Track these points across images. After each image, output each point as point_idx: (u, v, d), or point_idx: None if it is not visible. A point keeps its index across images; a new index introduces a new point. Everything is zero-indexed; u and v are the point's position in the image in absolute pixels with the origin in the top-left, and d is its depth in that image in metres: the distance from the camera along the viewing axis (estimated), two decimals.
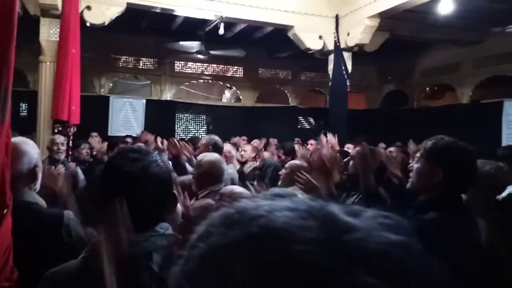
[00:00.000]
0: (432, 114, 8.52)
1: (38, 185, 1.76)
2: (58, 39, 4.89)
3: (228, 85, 10.09)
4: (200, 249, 0.36)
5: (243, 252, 0.34)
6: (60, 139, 4.36)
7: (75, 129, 4.71)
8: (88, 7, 5.21)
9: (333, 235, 0.34)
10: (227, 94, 11.35)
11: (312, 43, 6.60)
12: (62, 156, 4.28)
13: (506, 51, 7.29)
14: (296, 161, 3.74)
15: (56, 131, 4.61)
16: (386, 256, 0.33)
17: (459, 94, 8.47)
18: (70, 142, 4.67)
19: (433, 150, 1.67)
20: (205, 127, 9.64)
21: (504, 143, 6.88)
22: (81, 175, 4.43)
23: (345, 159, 2.53)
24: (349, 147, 5.36)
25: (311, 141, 5.94)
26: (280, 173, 3.54)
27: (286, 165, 3.54)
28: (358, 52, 6.72)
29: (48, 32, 5.07)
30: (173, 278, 0.38)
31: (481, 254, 1.61)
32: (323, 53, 6.90)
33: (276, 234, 0.34)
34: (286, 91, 10.14)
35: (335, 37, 6.49)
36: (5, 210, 1.31)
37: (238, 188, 2.61)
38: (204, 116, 9.72)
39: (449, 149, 1.65)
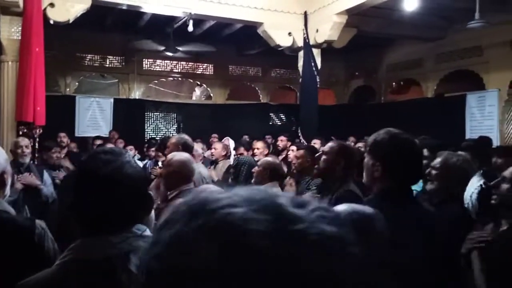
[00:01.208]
0: (399, 108, 8.75)
1: (8, 192, 1.70)
2: (20, 37, 4.71)
3: (198, 83, 10.02)
4: (165, 234, 0.42)
5: (202, 240, 0.39)
6: (25, 141, 4.20)
7: (41, 131, 4.56)
8: (52, 4, 5.03)
9: (279, 227, 0.40)
10: (197, 91, 11.26)
11: (282, 40, 6.64)
12: (27, 160, 4.12)
13: (467, 46, 7.57)
14: (269, 158, 3.76)
15: (20, 133, 4.45)
16: (322, 245, 0.40)
17: (424, 88, 8.73)
18: (36, 144, 4.52)
19: (372, 144, 1.63)
20: (176, 126, 9.53)
21: (468, 135, 7.16)
22: (47, 180, 4.27)
23: (316, 154, 2.56)
24: (316, 142, 5.42)
25: (281, 137, 5.99)
26: (253, 170, 3.56)
27: (259, 162, 3.55)
28: (327, 48, 6.82)
29: (10, 31, 4.88)
30: (143, 258, 0.44)
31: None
32: (293, 50, 6.96)
33: (231, 227, 0.40)
34: (256, 88, 10.16)
35: (304, 34, 6.56)
36: None
37: (212, 187, 2.60)
38: (175, 114, 9.61)
39: (387, 143, 1.59)
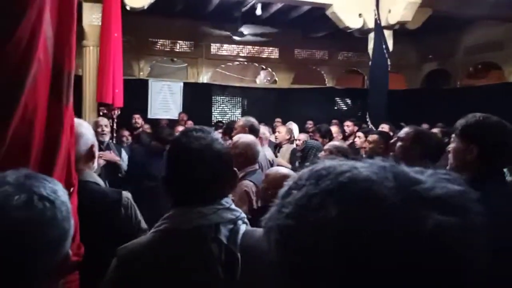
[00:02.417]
0: (476, 93, 8.18)
1: (96, 164, 1.83)
2: (100, 23, 5.00)
3: (264, 67, 10.04)
4: (294, 196, 0.46)
5: (333, 196, 0.43)
6: (104, 121, 4.50)
7: (119, 112, 4.85)
8: None
9: (406, 184, 0.43)
10: (262, 75, 11.31)
11: (352, 21, 6.44)
12: (107, 138, 4.42)
13: None
14: (335, 142, 3.71)
15: (101, 113, 4.76)
16: (450, 199, 0.42)
17: (506, 72, 8.07)
18: (115, 124, 4.82)
19: (466, 127, 1.64)
20: (240, 109, 9.69)
21: None
22: (125, 157, 4.59)
23: (392, 140, 2.47)
24: (384, 127, 5.24)
25: (348, 123, 5.86)
26: (319, 155, 3.54)
27: (326, 147, 3.52)
28: (398, 30, 6.52)
29: (91, 17, 5.20)
30: (270, 220, 0.48)
31: None
32: (362, 32, 6.73)
33: (361, 183, 0.43)
34: (322, 72, 9.99)
35: (375, 15, 6.30)
36: (72, 189, 1.38)
37: (282, 169, 2.63)
38: (240, 98, 9.77)
39: (482, 125, 1.61)
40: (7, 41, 1.17)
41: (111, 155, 4.08)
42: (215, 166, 1.11)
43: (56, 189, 0.83)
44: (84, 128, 1.82)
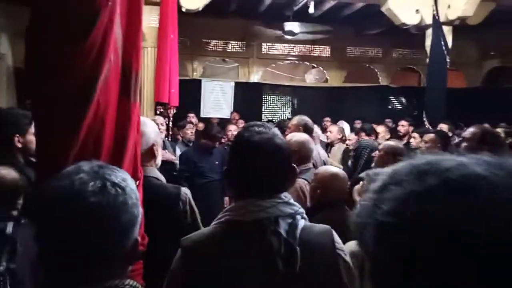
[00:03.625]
0: None
1: (159, 161, 1.92)
2: (157, 25, 5.18)
3: (315, 65, 9.95)
4: (394, 192, 0.44)
5: (441, 193, 0.41)
6: (160, 120, 4.68)
7: (175, 111, 5.01)
8: None
9: None
10: (311, 74, 11.22)
11: (408, 17, 6.23)
12: (162, 136, 4.59)
13: None
14: (391, 142, 3.61)
15: (158, 112, 4.95)
16: None
17: None
18: (170, 122, 4.99)
19: None
20: (291, 108, 9.68)
21: None
22: (178, 154, 4.77)
23: (457, 141, 2.38)
24: (442, 127, 5.04)
25: (403, 122, 5.68)
26: (373, 154, 3.46)
27: (380, 147, 3.43)
28: (458, 25, 6.22)
29: (149, 19, 5.40)
30: (364, 216, 0.46)
31: None
32: (419, 28, 6.49)
33: (473, 181, 0.40)
34: (376, 70, 9.74)
35: (433, 11, 6.05)
36: (137, 182, 1.45)
37: (332, 168, 2.61)
38: (290, 97, 9.76)
39: None
40: (82, 43, 1.26)
41: (168, 154, 4.24)
42: (275, 160, 1.14)
43: (126, 178, 0.89)
44: (148, 127, 1.91)
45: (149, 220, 1.60)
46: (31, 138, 2.21)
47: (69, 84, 1.24)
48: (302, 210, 1.16)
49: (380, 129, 5.28)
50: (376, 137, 5.02)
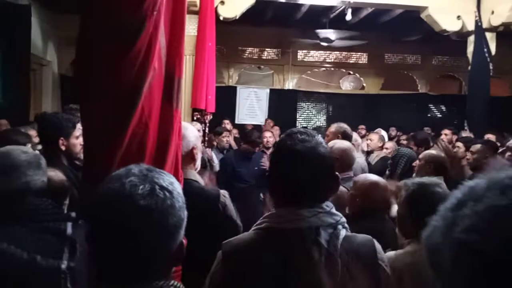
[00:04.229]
0: None
1: (198, 165, 1.96)
2: (196, 33, 5.30)
3: (351, 72, 9.85)
4: (473, 208, 0.43)
5: None
6: (197, 126, 4.76)
7: (211, 117, 5.10)
8: (222, 2, 5.56)
9: None
10: (347, 81, 11.10)
11: (449, 24, 6.06)
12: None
13: None
14: (432, 151, 3.51)
15: (195, 118, 5.04)
16: None
17: None
18: (206, 128, 5.08)
19: None
20: (325, 116, 9.61)
21: None
22: (215, 160, 4.84)
23: (499, 150, 2.29)
24: (490, 137, 4.85)
25: (446, 131, 5.50)
26: (414, 164, 3.38)
27: (421, 156, 3.35)
28: (501, 31, 5.99)
29: (188, 28, 5.50)
30: (437, 236, 0.45)
31: None
32: (461, 35, 6.30)
33: None
34: (414, 77, 9.52)
35: (476, 17, 5.86)
36: None
37: (372, 176, 2.57)
38: (325, 104, 9.69)
39: None
40: (128, 52, 1.31)
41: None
42: (318, 170, 1.12)
43: (173, 182, 0.91)
44: (187, 131, 1.96)
45: (188, 223, 1.64)
46: (74, 141, 2.31)
47: (116, 90, 1.30)
48: (344, 219, 1.15)
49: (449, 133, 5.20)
50: (427, 147, 4.88)
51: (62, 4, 6.87)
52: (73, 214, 1.48)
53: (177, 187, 0.90)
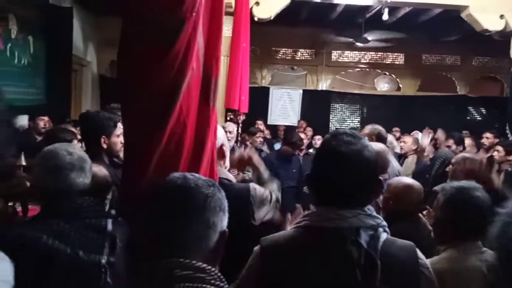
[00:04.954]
0: None
1: (227, 163, 1.98)
2: (230, 34, 5.35)
3: (387, 73, 9.65)
4: None
5: None
6: (230, 126, 4.80)
7: (244, 117, 5.13)
8: (257, 3, 5.58)
9: None
10: (382, 82, 10.89)
11: (491, 23, 5.84)
12: (232, 142, 4.71)
13: None
14: (465, 154, 3.40)
15: (228, 119, 5.09)
16: None
17: None
18: (239, 129, 5.11)
19: None
20: (360, 117, 9.47)
21: None
22: None
23: None
24: None
25: (488, 134, 5.29)
26: (447, 169, 3.29)
27: (454, 160, 3.26)
28: None
29: (223, 29, 5.59)
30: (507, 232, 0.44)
31: None
32: (504, 35, 6.05)
33: None
34: (453, 78, 9.22)
35: None
36: None
37: (406, 179, 2.52)
38: (359, 105, 9.55)
39: None
40: (168, 53, 1.34)
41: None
42: (362, 173, 1.11)
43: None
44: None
45: None
46: (115, 140, 2.38)
47: (156, 90, 1.33)
48: (384, 223, 1.14)
49: (467, 142, 5.00)
50: (463, 148, 4.74)
51: (102, 6, 7.10)
52: (113, 212, 1.53)
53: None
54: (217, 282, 0.91)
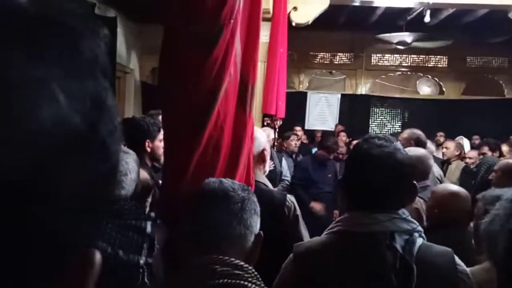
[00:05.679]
0: None
1: (267, 168, 1.99)
2: (268, 40, 5.38)
3: (429, 76, 9.37)
4: None
5: None
6: (267, 131, 4.82)
7: (281, 122, 5.14)
8: (295, 8, 5.59)
9: None
10: (424, 86, 10.57)
11: None
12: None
13: None
14: (510, 160, 3.24)
15: (265, 124, 5.11)
16: None
17: None
18: (276, 134, 5.12)
19: None
20: (401, 122, 9.23)
21: None
22: (285, 166, 4.87)
23: None
24: None
25: None
26: (490, 177, 3.16)
27: (497, 166, 3.12)
28: None
29: (261, 35, 5.64)
30: (494, 224, 0.46)
31: None
32: None
33: None
34: (500, 82, 8.82)
35: None
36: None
37: (452, 186, 2.44)
38: (400, 110, 9.32)
39: None
40: (207, 59, 1.38)
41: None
42: (394, 176, 1.10)
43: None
44: (258, 133, 2.01)
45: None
46: (158, 144, 2.46)
47: (195, 96, 1.37)
48: (420, 228, 1.11)
49: (504, 148, 4.77)
50: (500, 155, 4.54)
51: (144, 15, 7.34)
52: (153, 214, 1.58)
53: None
54: (254, 280, 0.93)
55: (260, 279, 0.96)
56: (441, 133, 6.87)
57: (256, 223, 1.04)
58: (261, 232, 1.04)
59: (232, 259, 0.93)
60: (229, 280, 0.89)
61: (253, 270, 0.96)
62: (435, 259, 1.07)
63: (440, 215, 2.15)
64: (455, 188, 2.33)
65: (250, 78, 1.54)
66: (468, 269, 1.55)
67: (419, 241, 1.08)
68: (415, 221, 1.12)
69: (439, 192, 2.27)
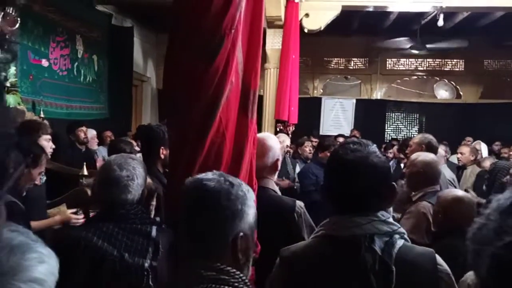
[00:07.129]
0: None
1: (276, 175, 2.04)
2: (280, 47, 5.43)
3: (446, 80, 9.25)
4: None
5: None
6: (281, 137, 4.86)
7: (294, 128, 5.17)
8: (307, 15, 5.63)
9: None
10: (441, 90, 10.43)
11: None
12: (280, 154, 4.77)
13: None
14: None
15: (278, 130, 5.16)
16: None
17: None
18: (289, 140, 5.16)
19: None
20: (417, 127, 9.13)
21: None
22: (298, 171, 4.89)
23: None
24: None
25: None
26: (504, 180, 3.11)
27: (511, 170, 3.07)
28: None
29: (273, 42, 5.69)
30: (480, 240, 0.44)
31: None
32: None
33: None
34: None
35: None
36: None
37: (456, 191, 2.42)
38: (417, 114, 9.22)
39: None
40: (208, 68, 1.43)
41: (284, 182, 4.42)
42: (370, 179, 1.12)
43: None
44: (273, 142, 2.05)
45: (264, 230, 1.71)
46: None
47: (197, 103, 1.42)
48: (402, 230, 1.13)
49: None
50: None
51: (160, 24, 7.49)
52: (158, 219, 1.63)
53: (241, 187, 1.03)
54: (241, 285, 0.93)
55: (248, 284, 0.97)
56: (470, 138, 6.74)
57: (244, 224, 0.99)
58: (248, 234, 0.99)
59: (219, 264, 0.94)
60: (215, 285, 0.91)
61: (241, 275, 0.95)
62: (415, 259, 1.09)
63: (444, 220, 2.14)
64: (460, 193, 2.31)
65: (252, 85, 1.58)
66: (470, 274, 1.55)
67: (400, 242, 1.10)
68: (396, 223, 1.13)
69: (443, 197, 2.25)
